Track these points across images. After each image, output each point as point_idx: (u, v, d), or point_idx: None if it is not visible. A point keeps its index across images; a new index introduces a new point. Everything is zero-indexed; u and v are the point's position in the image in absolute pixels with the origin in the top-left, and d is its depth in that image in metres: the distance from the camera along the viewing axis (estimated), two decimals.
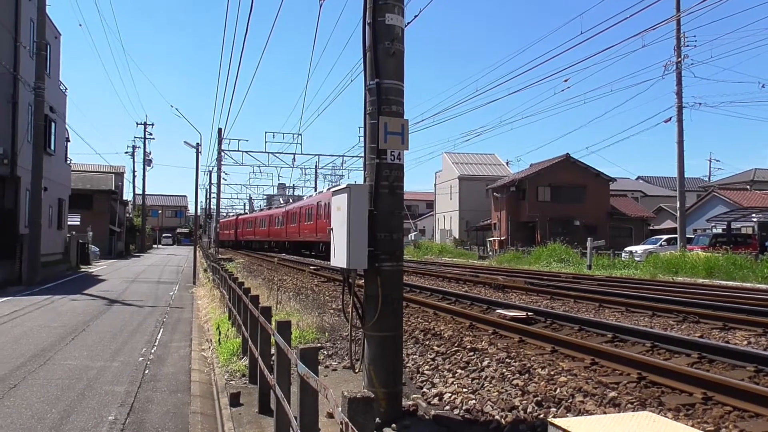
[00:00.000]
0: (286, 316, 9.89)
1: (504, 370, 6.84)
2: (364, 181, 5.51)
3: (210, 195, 57.54)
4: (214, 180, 46.95)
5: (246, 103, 72.23)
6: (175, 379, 7.64)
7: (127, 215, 60.13)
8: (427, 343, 8.82)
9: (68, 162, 33.10)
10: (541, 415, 5.30)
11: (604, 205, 46.86)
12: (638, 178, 66.57)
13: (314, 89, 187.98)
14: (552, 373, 6.70)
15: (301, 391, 3.72)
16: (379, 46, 5.26)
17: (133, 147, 59.76)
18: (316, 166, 55.72)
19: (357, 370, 5.78)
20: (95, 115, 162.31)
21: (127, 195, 62.57)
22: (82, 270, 30.08)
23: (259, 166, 48.43)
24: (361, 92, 5.50)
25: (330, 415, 5.03)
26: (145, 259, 46.48)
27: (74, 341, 10.17)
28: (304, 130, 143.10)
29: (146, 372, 7.98)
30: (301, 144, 68.78)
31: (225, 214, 77.13)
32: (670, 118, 29.75)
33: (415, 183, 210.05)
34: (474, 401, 5.76)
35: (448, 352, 8.07)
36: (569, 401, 5.67)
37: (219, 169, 43.26)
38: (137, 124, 79.41)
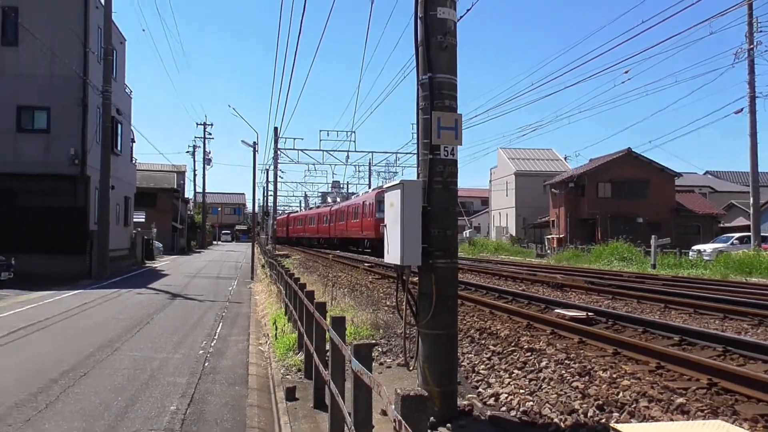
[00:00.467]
0: (341, 312, 9.95)
1: (563, 372, 6.65)
2: (417, 177, 5.46)
3: (267, 193, 58.68)
4: (271, 178, 47.86)
5: (300, 102, 73.50)
6: (233, 372, 7.80)
7: (189, 212, 62.04)
8: (483, 342, 8.69)
9: (133, 161, 34.40)
10: (603, 420, 5.12)
11: (669, 202, 45.09)
12: (706, 173, 63.78)
13: (367, 86, 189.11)
14: (614, 376, 6.47)
15: (354, 388, 3.71)
16: (432, 40, 5.19)
17: (194, 146, 61.71)
18: (369, 163, 56.12)
19: (411, 368, 5.74)
20: (158, 116, 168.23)
21: (189, 193, 64.62)
22: (147, 265, 31.22)
23: (313, 164, 49.17)
24: (414, 89, 5.45)
25: (384, 413, 5.00)
26: (205, 255, 47.84)
27: (139, 333, 10.54)
28: (357, 127, 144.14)
29: (206, 364, 8.18)
30: (354, 141, 69.26)
31: (281, 212, 78.56)
32: (742, 109, 28.31)
33: (469, 179, 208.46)
34: (531, 403, 5.62)
35: (505, 351, 7.93)
36: (633, 406, 5.44)
37: (275, 167, 44.05)
38: (197, 124, 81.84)
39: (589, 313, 10.47)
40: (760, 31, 27.12)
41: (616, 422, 4.89)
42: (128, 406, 6.14)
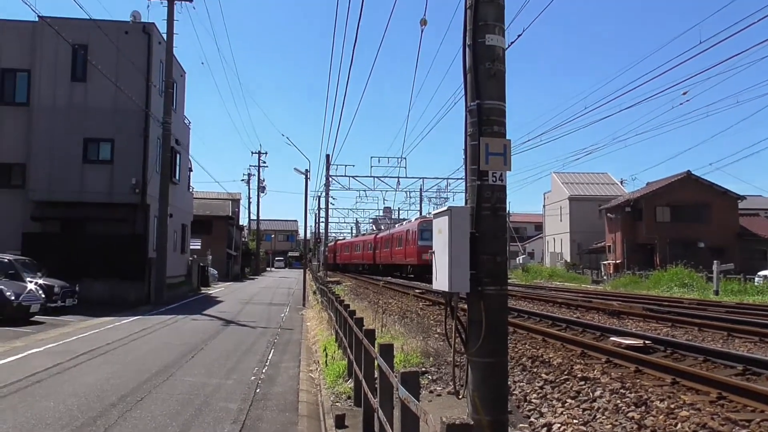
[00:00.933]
0: (391, 339, 9.94)
1: (618, 402, 6.44)
2: (465, 203, 5.46)
3: (319, 219, 59.48)
4: (323, 205, 48.52)
5: (352, 129, 74.59)
6: (283, 399, 7.87)
7: (243, 239, 63.40)
8: (535, 370, 8.52)
9: (191, 190, 35.51)
10: None
11: (733, 226, 43.32)
12: None
13: (418, 113, 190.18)
14: (672, 406, 6.22)
15: (402, 416, 3.71)
16: (480, 67, 5.23)
17: (248, 174, 63.23)
18: (420, 189, 56.17)
19: (461, 396, 5.67)
20: (215, 145, 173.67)
21: (243, 220, 66.16)
22: (202, 291, 31.97)
23: (365, 190, 49.52)
24: (464, 114, 5.47)
25: None
26: (258, 281, 48.65)
27: (194, 359, 10.78)
28: (408, 153, 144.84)
29: (257, 391, 8.29)
30: (405, 167, 69.67)
31: (333, 238, 79.42)
32: None
33: (522, 204, 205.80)
34: None
35: (557, 380, 7.74)
36: None
37: (327, 194, 44.67)
38: (252, 152, 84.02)
39: (647, 341, 10.13)
40: None
41: None
42: (182, 431, 6.28)
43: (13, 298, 15.30)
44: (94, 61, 21.74)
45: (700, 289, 28.45)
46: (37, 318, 15.90)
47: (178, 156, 28.58)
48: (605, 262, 46.95)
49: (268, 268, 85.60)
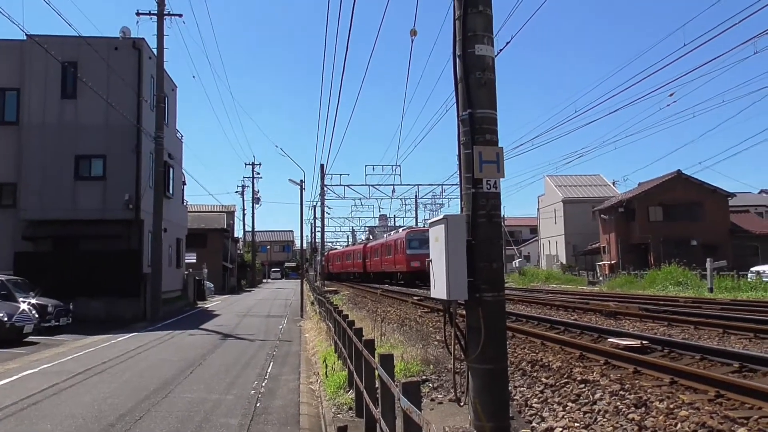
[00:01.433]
0: (390, 348, 9.94)
1: (618, 403, 6.47)
2: (461, 211, 5.49)
3: (315, 229, 59.45)
4: (318, 214, 48.54)
5: (346, 138, 74.57)
6: (284, 412, 7.85)
7: (238, 251, 63.22)
8: (535, 374, 8.54)
9: (184, 204, 35.45)
10: None
11: (724, 223, 43.60)
12: (761, 191, 61.52)
13: (411, 120, 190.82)
14: (671, 406, 6.26)
15: (404, 426, 3.72)
16: (471, 77, 5.28)
17: (242, 186, 63.17)
18: (415, 196, 56.26)
19: (463, 404, 5.68)
20: (208, 158, 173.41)
21: (238, 232, 65.97)
22: (199, 306, 31.84)
23: (360, 199, 49.51)
24: (456, 121, 5.52)
25: None
26: (255, 293, 48.50)
27: (192, 374, 10.73)
28: (402, 161, 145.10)
29: (258, 405, 8.26)
30: (400, 175, 69.94)
31: (329, 248, 79.45)
32: None
33: (517, 208, 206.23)
34: None
35: (558, 384, 7.76)
36: None
37: (322, 203, 44.70)
38: (245, 164, 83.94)
39: (644, 342, 10.18)
40: None
41: None
42: None
43: (5, 318, 15.19)
44: (84, 78, 21.74)
45: (694, 286, 28.58)
46: (30, 338, 15.78)
47: (171, 170, 28.53)
48: (600, 263, 47.12)
49: (265, 280, 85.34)
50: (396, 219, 66.94)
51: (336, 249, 78.16)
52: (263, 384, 9.80)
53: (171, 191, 28.71)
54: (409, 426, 3.66)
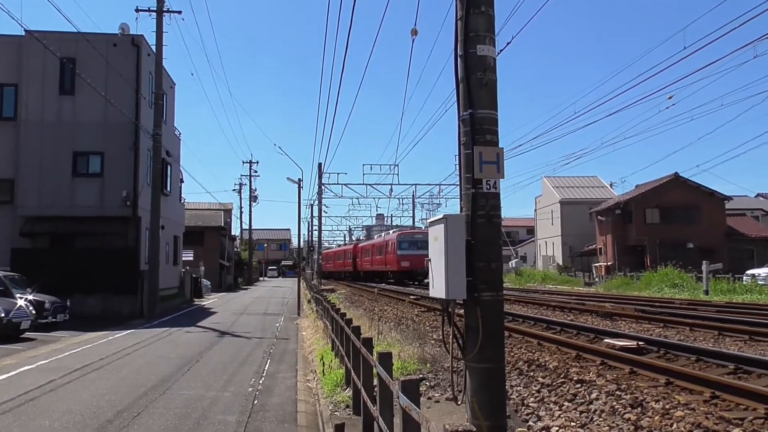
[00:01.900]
0: (388, 346, 9.97)
1: (614, 403, 6.52)
2: (460, 210, 5.52)
3: (312, 228, 59.46)
4: (316, 213, 48.55)
5: (344, 137, 74.56)
6: (282, 410, 7.88)
7: (235, 249, 63.19)
8: (532, 374, 8.58)
9: (182, 201, 35.41)
10: None
11: (720, 226, 43.74)
12: (758, 195, 61.69)
13: (410, 120, 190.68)
14: (667, 406, 6.30)
15: (403, 423, 3.75)
16: (472, 77, 5.30)
17: (240, 184, 63.10)
18: (413, 195, 56.28)
19: (460, 402, 5.72)
20: (205, 156, 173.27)
21: (235, 230, 65.92)
22: (196, 303, 31.83)
23: (357, 198, 49.49)
24: (456, 121, 5.54)
25: None
26: (252, 291, 48.48)
27: (189, 372, 10.75)
28: (400, 160, 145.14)
29: (255, 402, 8.29)
30: (398, 174, 70.09)
31: (327, 245, 79.59)
32: None
33: (514, 209, 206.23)
34: None
35: (554, 383, 7.81)
36: None
37: (320, 202, 44.67)
38: (243, 162, 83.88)
39: (640, 343, 10.22)
40: None
41: None
42: None
43: (2, 315, 15.17)
44: (82, 75, 21.72)
45: (690, 289, 28.68)
46: (28, 334, 15.77)
47: (169, 167, 28.51)
48: (597, 265, 47.23)
49: (261, 278, 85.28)
50: (393, 218, 67.05)
51: (329, 249, 78.60)
52: (260, 381, 9.82)
53: (169, 189, 28.69)
54: (407, 424, 3.69)
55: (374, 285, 39.39)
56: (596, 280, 42.83)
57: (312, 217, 57.01)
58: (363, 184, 43.76)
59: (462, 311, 5.44)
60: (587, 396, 6.96)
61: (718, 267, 30.40)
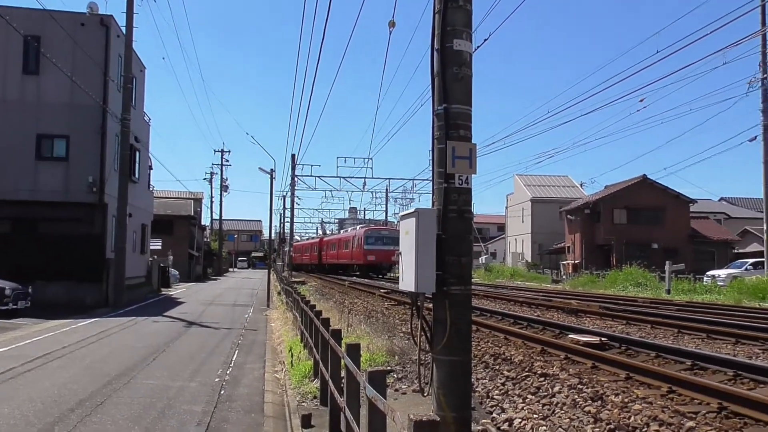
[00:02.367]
0: (357, 339, 10.00)
1: (576, 397, 6.67)
2: (432, 205, 5.56)
3: (284, 219, 59.15)
4: (288, 205, 48.29)
5: (318, 129, 74.23)
6: (249, 400, 7.86)
7: (205, 240, 62.49)
8: (497, 367, 8.71)
9: (151, 189, 34.83)
10: None
11: (684, 228, 44.83)
12: (721, 199, 63.32)
13: (385, 114, 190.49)
14: (626, 400, 6.48)
15: (369, 414, 3.79)
16: (447, 71, 5.32)
17: (211, 173, 62.39)
18: (386, 189, 56.42)
19: (426, 394, 5.77)
20: (176, 143, 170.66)
21: (205, 220, 65.18)
22: (163, 293, 31.43)
23: (331, 191, 49.45)
24: (431, 116, 5.57)
25: None
26: (221, 282, 48.06)
27: (155, 361, 10.64)
28: (374, 154, 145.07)
29: (222, 392, 8.25)
30: (371, 168, 69.88)
31: (299, 238, 79.30)
32: (756, 137, 28.31)
33: (486, 205, 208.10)
34: (545, 428, 5.65)
35: (519, 377, 7.94)
36: (644, 430, 5.50)
37: (292, 194, 44.49)
38: (215, 151, 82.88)
39: (603, 339, 10.44)
40: None
41: None
42: None
43: None
44: (48, 54, 21.06)
45: (653, 288, 29.36)
46: None
47: (137, 154, 28.00)
48: (565, 262, 47.99)
49: (231, 269, 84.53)
50: (366, 212, 67.12)
51: (301, 241, 78.76)
52: (228, 372, 9.77)
53: (137, 175, 28.20)
54: (374, 414, 3.73)
55: (345, 278, 39.63)
56: (564, 277, 43.53)
57: (284, 208, 56.76)
58: (337, 176, 43.77)
59: (431, 305, 5.49)
60: (550, 389, 7.10)
61: (680, 267, 31.18)
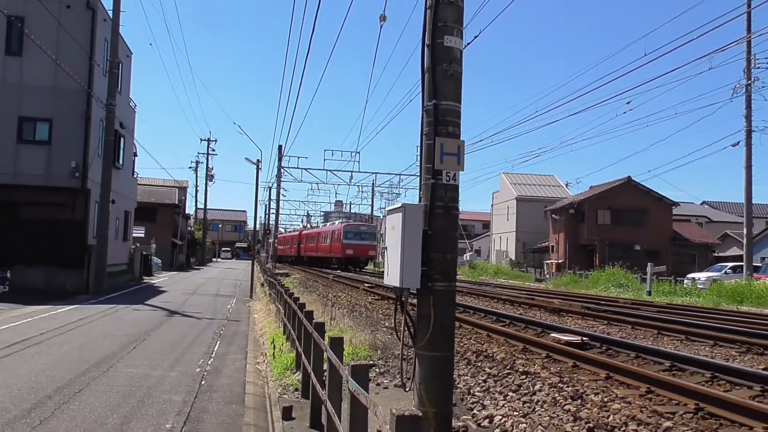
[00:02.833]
0: (340, 332, 9.99)
1: (556, 395, 6.72)
2: (419, 200, 5.56)
3: (269, 211, 58.91)
4: (274, 196, 48.11)
5: (306, 121, 73.81)
6: (230, 391, 7.82)
7: (189, 229, 61.99)
8: (479, 364, 8.74)
9: (135, 176, 34.47)
10: None
11: (667, 230, 45.31)
12: (703, 203, 64.11)
13: (374, 108, 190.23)
14: (605, 399, 6.54)
15: (351, 408, 3.78)
16: (438, 67, 5.32)
17: (197, 162, 61.97)
18: (373, 184, 56.45)
19: (408, 389, 5.78)
20: (162, 130, 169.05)
21: (190, 209, 64.64)
22: (145, 281, 31.18)
23: (317, 183, 49.50)
24: (419, 111, 5.56)
25: None
26: (204, 272, 47.77)
27: (135, 350, 10.55)
28: (362, 148, 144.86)
29: (203, 383, 8.20)
30: (359, 162, 69.87)
31: (284, 230, 79.14)
32: (738, 142, 28.72)
33: (471, 203, 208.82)
34: (525, 425, 5.68)
35: (500, 374, 7.98)
36: (622, 429, 5.55)
37: (278, 185, 44.28)
38: (201, 140, 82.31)
39: (584, 338, 10.53)
40: (758, 68, 27.72)
41: None
42: (123, 424, 6.16)
43: None
44: (32, 35, 20.68)
45: (634, 289, 29.66)
46: None
47: (122, 140, 27.69)
48: (548, 262, 48.31)
49: (215, 259, 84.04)
50: (352, 206, 67.04)
51: (285, 233, 78.97)
52: (209, 362, 9.72)
53: (121, 162, 27.90)
54: (355, 408, 3.72)
55: (329, 271, 39.64)
56: (547, 276, 43.82)
57: (270, 200, 56.49)
58: (323, 169, 43.69)
59: (415, 300, 5.49)
60: (531, 387, 7.15)
61: (662, 269, 31.52)
